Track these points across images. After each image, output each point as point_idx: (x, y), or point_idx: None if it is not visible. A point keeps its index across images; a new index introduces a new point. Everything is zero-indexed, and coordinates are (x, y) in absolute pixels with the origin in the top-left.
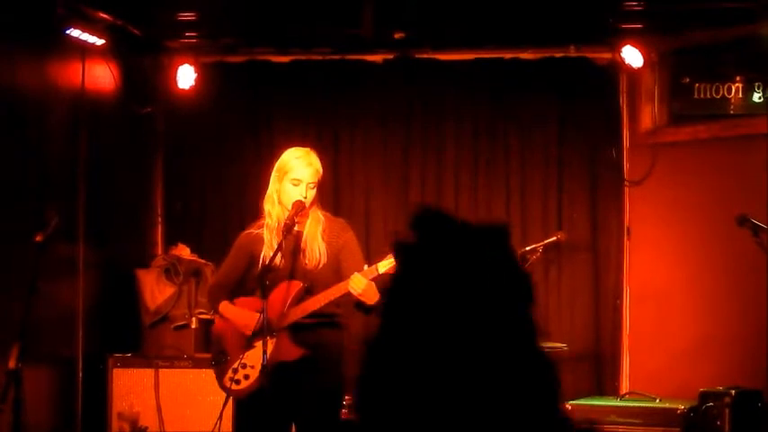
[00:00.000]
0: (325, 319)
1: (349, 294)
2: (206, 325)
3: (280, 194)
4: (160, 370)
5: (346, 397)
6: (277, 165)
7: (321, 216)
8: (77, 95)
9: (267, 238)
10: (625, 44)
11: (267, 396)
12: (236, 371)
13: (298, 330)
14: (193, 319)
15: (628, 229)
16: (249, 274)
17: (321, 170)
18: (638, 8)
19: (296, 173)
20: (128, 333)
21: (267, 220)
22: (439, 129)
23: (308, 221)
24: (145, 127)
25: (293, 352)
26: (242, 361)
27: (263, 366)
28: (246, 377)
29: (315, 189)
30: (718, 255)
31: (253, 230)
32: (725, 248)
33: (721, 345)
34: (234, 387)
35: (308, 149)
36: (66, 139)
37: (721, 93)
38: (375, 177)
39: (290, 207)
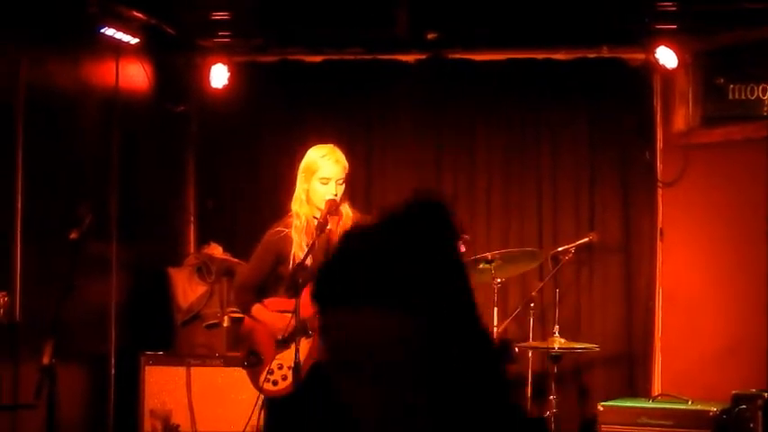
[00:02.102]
0: None
1: None
2: (238, 324)
3: (309, 194)
4: (192, 368)
5: None
6: (303, 165)
7: (350, 212)
8: (111, 94)
9: (296, 239)
10: (659, 45)
11: (303, 394)
12: (272, 372)
13: None
14: (225, 317)
15: (660, 231)
16: (275, 273)
17: (347, 166)
18: (673, 9)
19: (324, 171)
20: (160, 331)
21: (296, 222)
22: (470, 129)
23: (337, 219)
24: (178, 126)
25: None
26: (278, 362)
27: (295, 365)
28: (285, 378)
29: (344, 185)
30: (751, 256)
31: (281, 229)
32: (758, 250)
33: (753, 347)
34: (272, 388)
35: (331, 146)
36: (99, 137)
37: (755, 94)
38: (407, 177)
39: (320, 206)
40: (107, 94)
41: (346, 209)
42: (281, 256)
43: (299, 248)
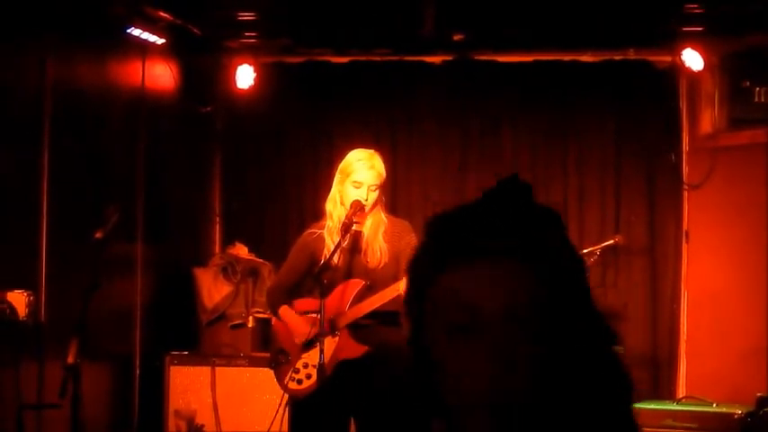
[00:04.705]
0: (387, 318)
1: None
2: (263, 324)
3: (342, 196)
4: (217, 368)
5: None
6: (340, 166)
7: (384, 218)
8: (137, 94)
9: (328, 239)
10: (685, 47)
11: (327, 394)
12: (297, 371)
13: (360, 328)
14: (250, 318)
15: (686, 233)
16: (309, 274)
17: (384, 173)
18: (699, 11)
19: (357, 175)
20: (185, 331)
21: (328, 222)
22: (496, 130)
23: (370, 222)
24: (204, 126)
25: (357, 349)
26: (304, 360)
27: (319, 365)
28: (309, 377)
29: (377, 191)
30: None
31: (315, 231)
32: None
33: None
34: (296, 387)
35: (372, 152)
36: (125, 137)
37: None
38: (432, 178)
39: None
40: (133, 95)
41: (380, 214)
42: (314, 257)
43: (329, 249)
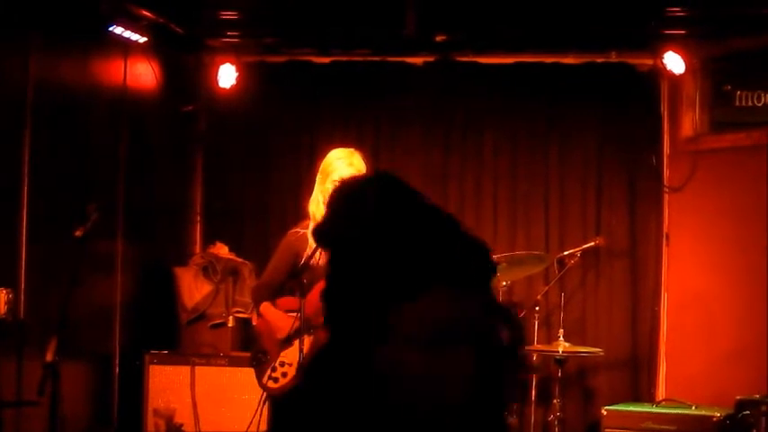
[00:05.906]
0: None
1: None
2: (243, 324)
3: (323, 196)
4: (196, 367)
5: None
6: (321, 166)
7: None
8: (119, 92)
9: (311, 240)
10: (667, 50)
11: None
12: (274, 369)
13: None
14: (230, 317)
15: (666, 236)
16: (293, 273)
17: (364, 171)
18: (681, 14)
19: (337, 173)
20: (165, 330)
21: (311, 223)
22: (478, 132)
23: None
24: (186, 125)
25: None
26: (280, 359)
27: (299, 364)
28: (285, 375)
29: None
30: (758, 262)
31: (299, 231)
32: (763, 256)
33: (759, 353)
34: (273, 385)
35: (351, 150)
36: (106, 135)
37: (762, 101)
38: (414, 178)
39: None
40: (115, 93)
41: None
42: (298, 256)
43: (311, 249)
